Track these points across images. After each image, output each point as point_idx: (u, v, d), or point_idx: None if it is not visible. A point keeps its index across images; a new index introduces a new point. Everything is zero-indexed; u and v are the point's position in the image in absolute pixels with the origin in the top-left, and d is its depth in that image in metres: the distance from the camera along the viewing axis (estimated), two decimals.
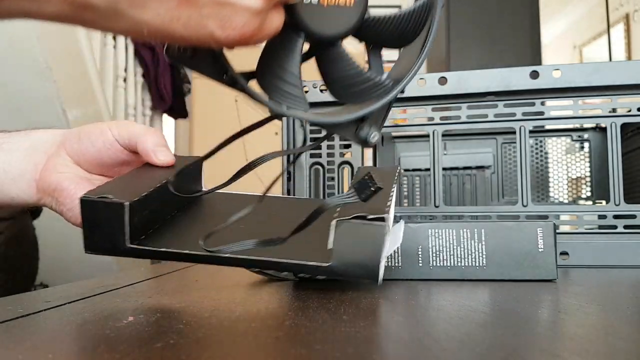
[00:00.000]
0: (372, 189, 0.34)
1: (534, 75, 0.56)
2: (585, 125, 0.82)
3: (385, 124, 0.60)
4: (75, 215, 0.42)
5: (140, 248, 0.35)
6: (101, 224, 0.35)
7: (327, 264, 0.34)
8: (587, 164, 0.83)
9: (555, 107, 0.57)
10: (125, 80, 2.07)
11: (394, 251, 0.44)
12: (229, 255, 0.34)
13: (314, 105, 0.62)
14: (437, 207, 0.58)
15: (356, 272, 0.34)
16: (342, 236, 0.34)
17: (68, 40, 1.46)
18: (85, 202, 0.35)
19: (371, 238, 0.34)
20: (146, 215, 0.37)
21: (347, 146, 0.62)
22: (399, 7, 2.95)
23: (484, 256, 0.43)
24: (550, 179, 0.86)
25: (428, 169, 0.87)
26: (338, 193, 0.62)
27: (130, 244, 0.35)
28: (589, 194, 0.83)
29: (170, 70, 2.31)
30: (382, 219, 0.34)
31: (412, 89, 0.59)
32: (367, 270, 0.34)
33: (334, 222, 0.34)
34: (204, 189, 0.48)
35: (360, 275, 0.34)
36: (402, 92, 0.52)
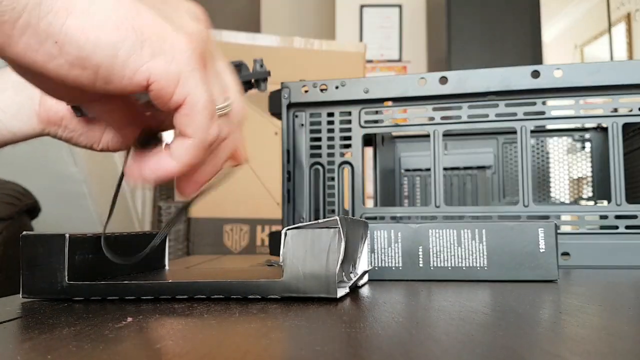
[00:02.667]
0: None
1: (535, 74, 0.56)
2: (587, 125, 0.82)
3: (385, 124, 0.61)
4: (88, 137, 0.42)
5: (80, 284, 0.34)
6: (41, 262, 0.34)
7: (279, 280, 0.32)
8: (589, 164, 0.82)
9: (556, 106, 0.57)
10: None
11: (395, 252, 0.44)
12: (176, 281, 0.34)
13: (313, 104, 0.62)
14: (437, 207, 0.58)
15: (311, 287, 0.32)
16: (293, 246, 0.32)
17: None
18: (25, 238, 0.35)
19: (325, 245, 0.32)
20: (89, 259, 0.36)
21: (347, 146, 0.61)
22: (399, 6, 2.95)
23: (485, 256, 0.43)
24: (552, 179, 0.86)
25: (428, 169, 0.87)
26: (338, 193, 0.62)
27: (68, 281, 0.34)
28: (590, 194, 0.82)
29: None
30: (335, 225, 0.32)
31: (413, 89, 0.59)
32: (322, 283, 0.32)
33: (283, 232, 0.33)
34: (167, 262, 0.48)
35: (315, 290, 0.32)
36: None
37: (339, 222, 0.32)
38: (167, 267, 0.47)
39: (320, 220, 0.33)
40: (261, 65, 0.44)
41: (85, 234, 0.36)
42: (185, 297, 0.34)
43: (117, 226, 1.82)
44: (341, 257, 0.32)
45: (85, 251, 0.36)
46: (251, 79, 0.43)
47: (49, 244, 0.34)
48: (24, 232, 0.35)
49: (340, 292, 0.33)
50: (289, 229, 0.33)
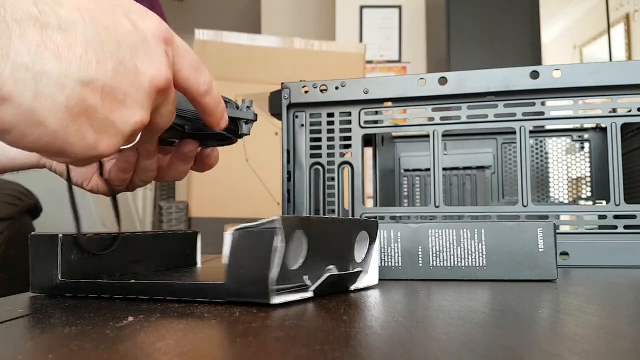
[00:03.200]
0: None
1: (534, 75, 0.56)
2: (586, 125, 0.82)
3: (385, 124, 0.61)
4: (78, 174, 0.45)
5: (70, 281, 0.36)
6: (42, 260, 0.37)
7: (221, 283, 0.31)
8: (587, 164, 0.83)
9: (555, 107, 0.57)
10: None
11: (395, 251, 0.44)
12: (136, 282, 0.35)
13: (313, 105, 0.62)
14: (437, 207, 0.58)
15: (249, 291, 0.30)
16: (235, 248, 0.30)
17: None
18: (31, 238, 0.37)
19: (264, 247, 0.30)
20: (84, 258, 0.38)
21: (347, 146, 0.62)
22: (399, 7, 2.95)
23: (484, 256, 0.43)
24: (551, 179, 0.86)
25: (428, 169, 0.87)
26: (338, 193, 0.62)
27: (61, 278, 0.36)
28: (589, 194, 0.83)
29: None
30: (274, 226, 0.29)
31: (412, 89, 0.59)
32: (259, 287, 0.30)
33: (227, 233, 0.31)
34: (199, 259, 0.49)
35: (252, 294, 0.30)
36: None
37: (279, 223, 0.30)
38: (199, 265, 0.48)
39: (265, 220, 0.30)
40: (248, 107, 0.43)
41: (85, 234, 0.38)
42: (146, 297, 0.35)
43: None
44: (279, 260, 0.30)
45: (80, 250, 0.38)
46: (235, 118, 0.42)
47: (47, 243, 0.37)
48: (31, 233, 0.37)
49: (293, 297, 0.32)
50: (234, 229, 0.31)
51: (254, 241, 0.30)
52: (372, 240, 0.41)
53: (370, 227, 0.41)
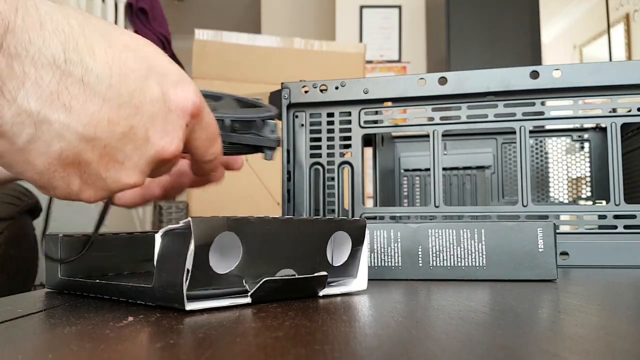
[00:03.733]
0: None
1: (534, 75, 0.56)
2: (586, 125, 0.82)
3: (385, 124, 0.61)
4: None
5: (67, 279, 0.38)
6: (50, 258, 0.39)
7: (148, 286, 0.30)
8: (587, 164, 0.83)
9: (555, 107, 0.57)
10: None
11: (395, 251, 0.44)
12: (95, 281, 0.36)
13: (313, 105, 0.62)
14: (437, 207, 0.58)
15: (169, 295, 0.29)
16: (162, 251, 0.29)
17: None
18: (46, 238, 0.40)
19: (179, 250, 0.28)
20: (84, 258, 0.39)
21: (347, 146, 0.62)
22: (399, 7, 2.95)
23: (484, 256, 0.43)
24: (551, 179, 0.86)
25: (428, 169, 0.87)
26: (338, 193, 0.62)
27: (60, 276, 0.38)
28: (589, 194, 0.83)
29: None
30: (189, 227, 0.28)
31: (412, 89, 0.59)
32: (174, 292, 0.29)
33: (158, 235, 0.29)
34: None
35: (171, 299, 0.29)
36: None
37: (191, 224, 0.28)
38: None
39: (184, 221, 0.28)
40: (272, 131, 0.41)
41: (88, 234, 0.40)
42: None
43: (119, 224, 1.82)
44: (190, 263, 0.28)
45: (79, 250, 0.39)
46: (258, 146, 0.40)
47: (52, 243, 0.39)
48: (47, 233, 0.39)
49: (219, 303, 0.31)
50: (163, 231, 0.29)
51: (173, 244, 0.29)
52: (357, 243, 0.37)
53: (352, 227, 0.36)
